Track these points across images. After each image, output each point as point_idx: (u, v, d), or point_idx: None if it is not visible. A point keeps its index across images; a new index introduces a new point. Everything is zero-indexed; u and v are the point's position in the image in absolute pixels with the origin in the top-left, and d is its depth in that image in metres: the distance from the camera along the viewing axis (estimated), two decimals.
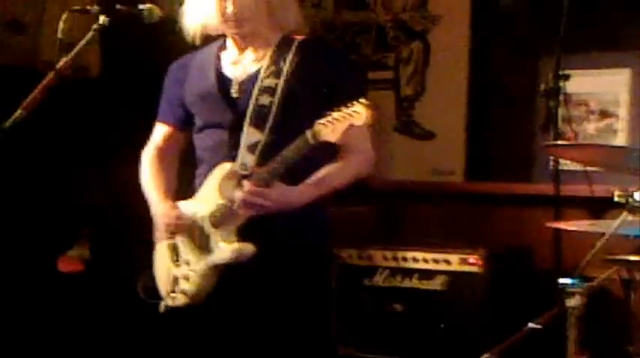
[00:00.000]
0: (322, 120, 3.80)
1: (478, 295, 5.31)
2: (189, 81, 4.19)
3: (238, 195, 3.85)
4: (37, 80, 3.59)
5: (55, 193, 5.68)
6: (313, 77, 4.08)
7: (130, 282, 4.41)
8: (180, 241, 4.13)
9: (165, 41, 4.07)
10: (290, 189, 3.93)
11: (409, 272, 5.45)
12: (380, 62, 6.29)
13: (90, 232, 5.73)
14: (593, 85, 5.76)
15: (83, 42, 3.69)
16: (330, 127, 3.78)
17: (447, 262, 5.39)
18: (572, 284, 3.96)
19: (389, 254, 5.48)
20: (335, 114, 3.79)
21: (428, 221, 5.91)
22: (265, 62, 4.11)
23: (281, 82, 4.05)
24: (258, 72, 4.11)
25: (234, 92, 4.14)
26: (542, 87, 5.21)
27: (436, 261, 5.41)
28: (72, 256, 5.59)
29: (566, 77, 5.21)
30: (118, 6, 3.79)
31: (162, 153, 4.38)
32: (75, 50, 3.66)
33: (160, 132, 4.35)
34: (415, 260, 5.45)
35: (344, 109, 3.79)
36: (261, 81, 4.07)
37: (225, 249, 3.91)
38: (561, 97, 5.28)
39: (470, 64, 6.08)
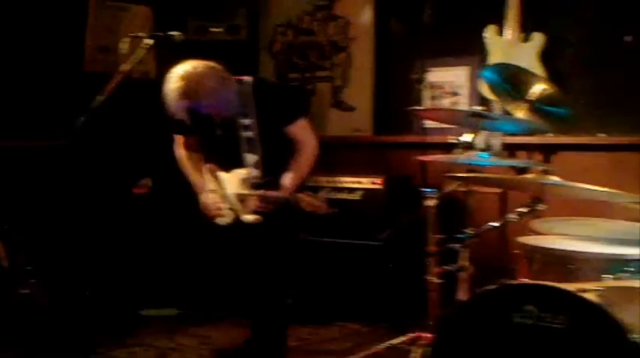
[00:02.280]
0: (304, 196, 4.02)
1: (380, 203, 5.40)
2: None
3: (252, 202, 4.03)
4: None
5: (134, 152, 5.70)
6: (270, 112, 4.11)
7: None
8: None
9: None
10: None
11: (341, 189, 5.52)
12: (322, 66, 6.31)
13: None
14: (447, 76, 5.78)
15: (136, 57, 3.74)
16: (305, 203, 3.97)
17: (362, 183, 5.48)
18: (430, 192, 4.15)
19: (330, 178, 5.56)
20: (312, 200, 4.01)
21: (351, 159, 5.95)
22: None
23: (254, 121, 4.10)
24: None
25: (218, 131, 4.19)
26: (414, 77, 5.22)
27: (358, 182, 5.49)
28: (141, 184, 5.58)
29: (427, 71, 5.32)
30: (155, 33, 3.85)
31: (188, 148, 4.40)
32: (130, 61, 3.72)
33: (179, 138, 4.39)
34: (345, 181, 5.54)
35: (316, 200, 4.03)
36: (239, 121, 4.10)
37: (249, 218, 4.03)
38: (427, 84, 5.34)
39: (375, 66, 6.14)
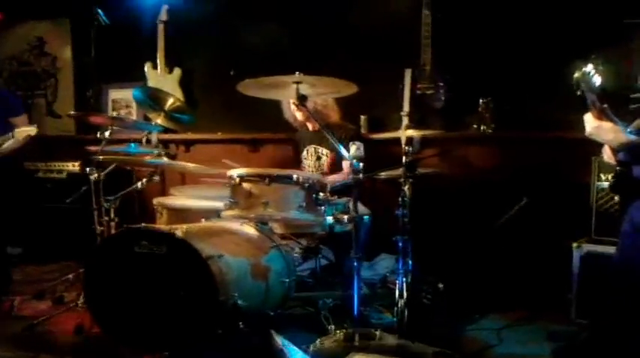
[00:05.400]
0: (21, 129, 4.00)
1: (79, 177, 5.02)
2: None
3: None
4: None
5: None
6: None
7: None
8: None
9: None
10: None
11: (53, 171, 5.27)
12: (39, 87, 5.92)
13: None
14: (123, 95, 5.54)
15: None
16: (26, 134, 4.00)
17: (67, 166, 5.25)
18: (91, 169, 3.80)
19: (47, 163, 5.30)
20: (23, 129, 4.00)
21: (60, 150, 5.59)
22: None
23: None
24: None
25: None
26: (89, 95, 5.19)
27: (65, 165, 5.25)
28: None
29: (103, 92, 5.29)
30: None
31: None
32: None
33: None
34: (57, 165, 5.27)
35: (27, 128, 4.00)
36: None
37: None
38: (108, 99, 5.33)
39: (74, 87, 5.81)
